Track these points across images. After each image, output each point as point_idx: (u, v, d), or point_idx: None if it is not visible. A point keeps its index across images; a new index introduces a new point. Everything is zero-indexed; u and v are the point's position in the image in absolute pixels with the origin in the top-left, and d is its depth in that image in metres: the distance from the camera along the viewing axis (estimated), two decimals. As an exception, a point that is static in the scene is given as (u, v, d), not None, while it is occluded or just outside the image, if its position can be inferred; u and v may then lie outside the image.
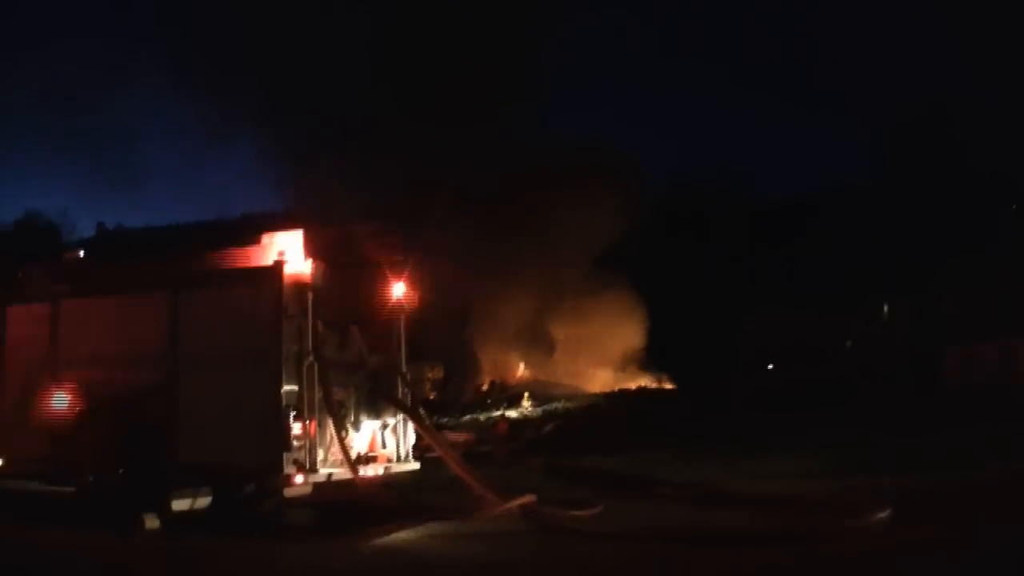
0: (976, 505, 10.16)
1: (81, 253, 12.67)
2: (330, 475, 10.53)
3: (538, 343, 34.36)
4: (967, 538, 8.50)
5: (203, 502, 10.59)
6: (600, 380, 33.02)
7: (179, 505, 10.35)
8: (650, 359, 33.64)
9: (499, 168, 31.37)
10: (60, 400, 11.27)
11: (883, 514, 9.47)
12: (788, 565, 8.00)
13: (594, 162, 32.76)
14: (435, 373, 31.47)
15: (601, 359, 33.85)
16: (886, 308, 34.26)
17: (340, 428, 10.63)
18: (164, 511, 10.23)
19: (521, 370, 34.43)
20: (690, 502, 11.92)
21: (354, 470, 10.58)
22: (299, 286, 10.36)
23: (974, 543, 8.31)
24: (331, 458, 10.80)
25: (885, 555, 8.19)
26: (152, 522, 10.15)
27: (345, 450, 10.59)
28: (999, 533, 8.67)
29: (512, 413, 27.41)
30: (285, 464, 9.98)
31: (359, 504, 10.99)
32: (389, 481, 11.49)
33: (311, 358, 10.35)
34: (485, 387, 32.56)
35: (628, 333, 33.54)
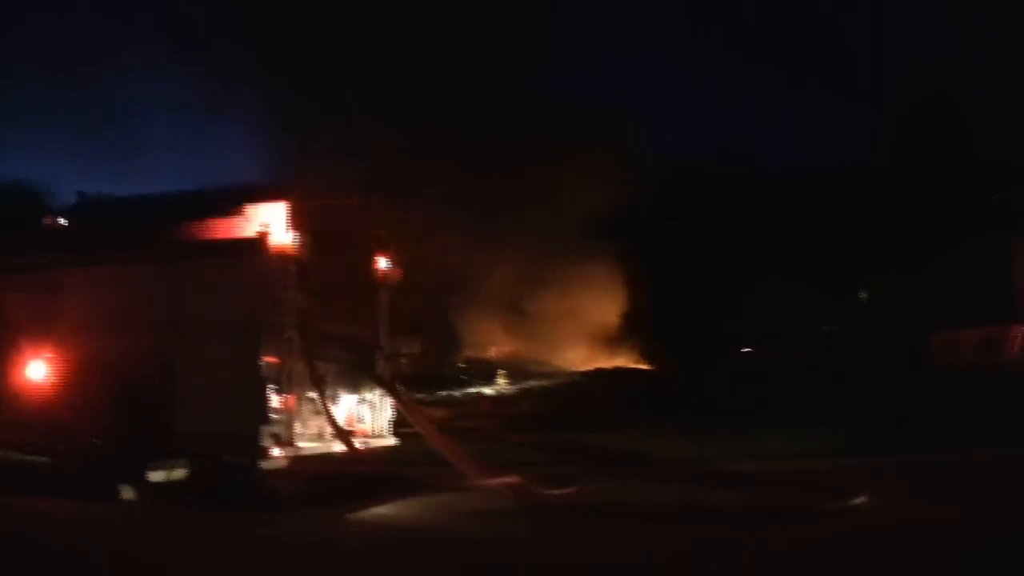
0: (970, 486, 10.23)
1: (61, 221, 12.43)
2: (298, 449, 10.37)
3: (516, 320, 34.29)
4: (964, 518, 8.53)
5: (179, 474, 10.49)
6: (577, 358, 33.01)
7: (155, 476, 10.26)
8: (630, 338, 33.64)
9: (484, 137, 31.12)
10: (41, 370, 11.11)
11: (859, 500, 9.54)
12: (783, 546, 8.00)
13: (583, 126, 32.50)
14: (413, 347, 31.49)
15: (579, 337, 33.83)
16: (863, 295, 34.40)
17: (326, 402, 10.58)
18: (140, 482, 10.15)
19: (497, 347, 34.38)
20: (677, 480, 11.96)
21: (349, 444, 10.63)
22: (282, 258, 10.23)
23: (970, 524, 8.34)
24: (308, 432, 10.74)
25: (883, 536, 8.20)
26: (127, 493, 10.08)
27: (334, 423, 10.57)
28: (994, 514, 8.72)
29: (487, 390, 27.36)
30: (262, 437, 9.90)
31: (337, 478, 10.95)
32: (376, 455, 11.48)
33: (292, 330, 10.27)
34: (462, 364, 32.52)
35: (608, 311, 33.53)
